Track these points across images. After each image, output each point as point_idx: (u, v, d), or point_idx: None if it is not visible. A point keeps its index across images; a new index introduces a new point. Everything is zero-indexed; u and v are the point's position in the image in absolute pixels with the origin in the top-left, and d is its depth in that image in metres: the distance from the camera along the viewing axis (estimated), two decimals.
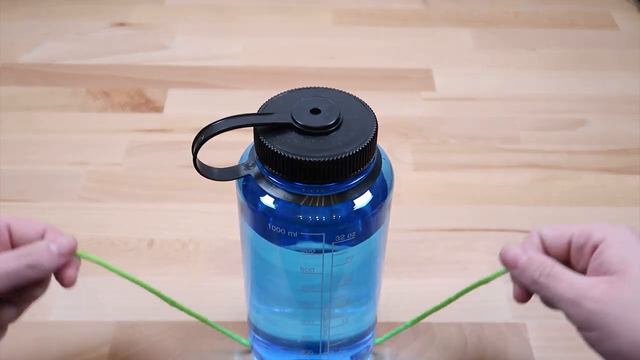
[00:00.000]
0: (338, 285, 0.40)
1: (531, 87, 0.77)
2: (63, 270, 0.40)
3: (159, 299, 0.54)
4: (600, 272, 0.35)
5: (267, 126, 0.35)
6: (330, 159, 0.34)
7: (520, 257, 0.38)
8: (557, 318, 0.54)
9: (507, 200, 0.63)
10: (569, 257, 0.38)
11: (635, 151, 0.68)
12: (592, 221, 0.57)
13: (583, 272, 0.37)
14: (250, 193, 0.38)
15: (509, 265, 0.38)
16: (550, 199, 0.63)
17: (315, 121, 0.35)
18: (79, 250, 0.40)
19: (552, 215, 0.61)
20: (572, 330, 0.54)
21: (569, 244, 0.38)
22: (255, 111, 0.36)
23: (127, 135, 0.68)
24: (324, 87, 0.38)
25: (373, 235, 0.39)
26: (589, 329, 0.34)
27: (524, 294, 0.39)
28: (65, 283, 0.40)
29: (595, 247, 0.36)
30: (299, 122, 0.35)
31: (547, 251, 0.38)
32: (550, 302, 0.37)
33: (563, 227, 0.38)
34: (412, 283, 0.55)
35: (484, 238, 0.59)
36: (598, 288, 0.34)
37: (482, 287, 0.55)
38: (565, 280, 0.35)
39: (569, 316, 0.35)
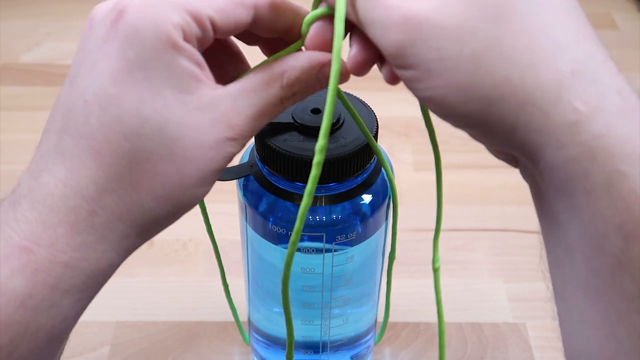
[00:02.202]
0: (338, 286, 0.40)
1: None
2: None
3: (158, 299, 0.54)
4: None
5: (267, 126, 0.35)
6: (331, 159, 0.34)
7: None
8: (557, 318, 0.54)
9: (507, 200, 0.63)
10: None
11: None
12: None
13: None
14: (250, 193, 0.38)
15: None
16: None
17: (316, 121, 0.35)
18: None
19: None
20: None
21: None
22: None
23: None
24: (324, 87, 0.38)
25: (373, 236, 0.39)
26: (401, 65, 0.25)
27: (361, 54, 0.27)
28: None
29: None
30: (300, 122, 0.35)
31: None
32: (364, 29, 0.26)
33: None
34: (412, 283, 0.55)
35: (484, 238, 0.59)
36: (416, 6, 0.24)
37: (482, 287, 0.55)
38: None
39: (380, 47, 0.25)
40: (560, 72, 0.23)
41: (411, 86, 0.25)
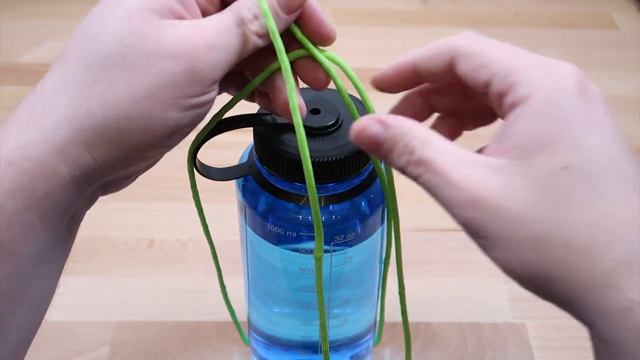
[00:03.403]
0: (337, 286, 0.40)
1: None
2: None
3: (158, 299, 0.54)
4: (505, 147, 0.25)
5: (266, 126, 0.35)
6: (330, 159, 0.34)
7: (379, 138, 0.27)
8: (557, 318, 0.54)
9: None
10: (489, 99, 0.28)
11: (635, 151, 0.67)
12: None
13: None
14: (249, 193, 0.38)
15: (369, 149, 0.28)
16: None
17: (315, 121, 0.35)
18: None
19: None
20: (572, 330, 0.54)
21: (488, 84, 0.27)
22: (255, 111, 0.36)
23: None
24: None
25: (372, 236, 0.39)
26: (470, 233, 0.26)
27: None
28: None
29: (514, 105, 0.26)
30: None
31: (450, 71, 0.28)
32: (430, 193, 0.27)
33: (487, 56, 0.27)
34: (412, 283, 0.55)
35: None
36: (482, 188, 0.25)
37: (482, 287, 0.55)
38: (440, 173, 0.26)
39: (450, 215, 0.26)
40: (616, 261, 0.24)
41: (481, 249, 0.27)
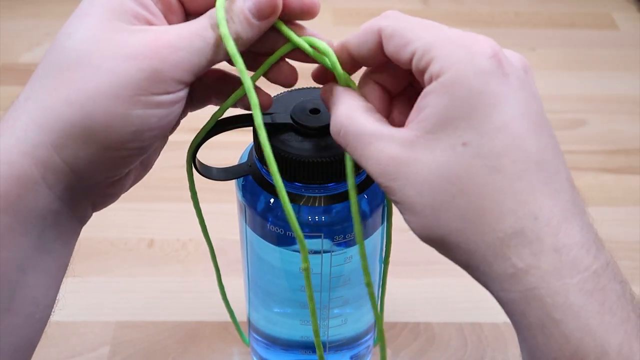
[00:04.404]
0: (337, 286, 0.40)
1: None
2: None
3: (158, 299, 0.54)
4: (417, 120, 0.27)
5: (266, 126, 0.35)
6: (330, 159, 0.34)
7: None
8: None
9: None
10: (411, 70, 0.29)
11: (635, 151, 0.68)
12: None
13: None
14: (249, 193, 0.38)
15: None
16: None
17: (315, 121, 0.35)
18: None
19: None
20: None
21: (411, 60, 0.28)
22: None
23: None
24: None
25: (372, 236, 0.39)
26: (393, 201, 0.29)
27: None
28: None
29: (430, 81, 0.27)
30: (299, 123, 0.35)
31: (379, 53, 0.30)
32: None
33: (409, 35, 0.28)
34: (412, 283, 0.55)
35: None
36: (394, 160, 0.28)
37: (482, 287, 0.55)
38: (357, 148, 0.29)
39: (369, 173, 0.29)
40: (504, 232, 0.26)
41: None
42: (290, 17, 0.31)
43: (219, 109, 0.34)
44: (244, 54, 0.31)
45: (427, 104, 0.27)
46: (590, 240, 0.27)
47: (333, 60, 0.31)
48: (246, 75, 0.30)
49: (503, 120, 0.26)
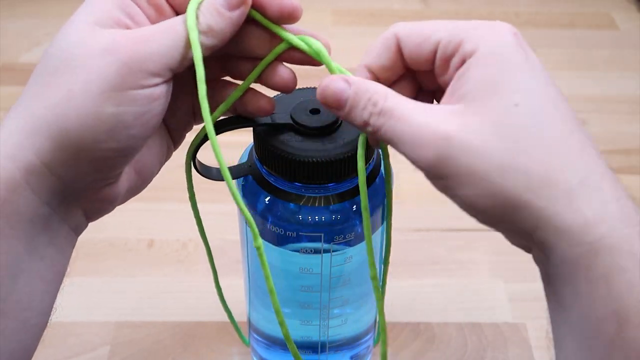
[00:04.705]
0: (337, 286, 0.40)
1: None
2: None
3: (158, 299, 0.54)
4: (457, 96, 0.28)
5: (266, 126, 0.35)
6: (330, 159, 0.34)
7: (344, 92, 0.30)
8: None
9: None
10: (432, 67, 0.30)
11: (635, 151, 0.68)
12: None
13: (444, 86, 0.30)
14: (249, 193, 0.38)
15: (331, 107, 0.30)
16: None
17: (315, 121, 0.35)
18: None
19: None
20: None
21: (435, 51, 0.30)
22: None
23: None
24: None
25: (372, 236, 0.39)
26: (434, 176, 0.28)
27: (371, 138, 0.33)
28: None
29: (463, 61, 0.29)
30: (299, 123, 0.35)
31: (398, 60, 0.31)
32: (391, 145, 0.29)
33: (428, 29, 0.30)
34: (413, 283, 0.55)
35: (484, 238, 0.59)
36: (443, 127, 0.27)
37: (482, 287, 0.55)
38: (402, 119, 0.28)
39: (412, 162, 0.29)
40: (570, 183, 0.27)
41: (445, 193, 0.29)
42: (273, 21, 0.32)
43: (216, 111, 0.34)
44: (243, 61, 0.31)
45: (469, 77, 0.28)
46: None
47: (326, 59, 0.31)
48: (200, 63, 0.29)
49: (540, 84, 0.28)
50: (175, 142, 0.36)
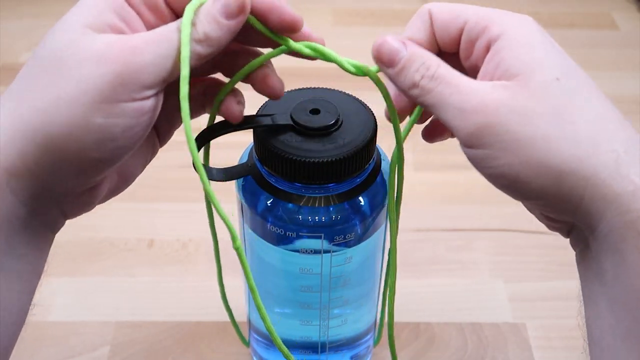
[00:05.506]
0: (337, 286, 0.40)
1: None
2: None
3: (158, 299, 0.54)
4: (496, 76, 0.29)
5: (266, 127, 0.35)
6: (330, 159, 0.34)
7: (399, 52, 0.30)
8: (557, 318, 0.54)
9: (507, 200, 0.62)
10: (458, 49, 0.31)
11: None
12: None
13: (470, 71, 0.31)
14: (249, 193, 0.38)
15: (384, 63, 0.31)
16: None
17: (315, 122, 0.35)
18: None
19: None
20: (572, 330, 0.54)
21: (460, 33, 0.31)
22: (255, 112, 0.36)
23: None
24: (324, 87, 0.38)
25: (372, 236, 0.39)
26: (476, 145, 0.29)
27: (402, 100, 0.34)
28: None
29: (490, 43, 0.30)
30: (299, 123, 0.35)
31: (433, 37, 0.32)
32: (433, 110, 0.30)
33: (458, 9, 0.31)
34: (413, 283, 0.55)
35: (484, 238, 0.59)
36: (491, 96, 0.28)
37: (482, 287, 0.55)
38: (453, 84, 0.29)
39: (454, 129, 0.29)
40: (616, 152, 0.27)
41: (483, 164, 0.29)
42: (273, 31, 0.31)
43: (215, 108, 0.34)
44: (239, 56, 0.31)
45: (504, 57, 0.29)
46: None
47: (334, 57, 0.32)
48: (186, 82, 0.29)
49: (572, 64, 0.30)
50: (162, 140, 0.35)
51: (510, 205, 0.62)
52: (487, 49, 0.30)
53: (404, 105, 0.34)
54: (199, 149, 0.35)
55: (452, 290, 0.55)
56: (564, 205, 0.28)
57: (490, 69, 0.29)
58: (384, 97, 0.33)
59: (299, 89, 0.38)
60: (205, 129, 0.35)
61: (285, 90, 0.37)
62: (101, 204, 0.33)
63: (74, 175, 0.29)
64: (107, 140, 0.28)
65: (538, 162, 0.28)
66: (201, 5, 0.29)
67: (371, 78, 0.32)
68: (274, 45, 0.32)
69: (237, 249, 0.33)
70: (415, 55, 0.30)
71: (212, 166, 0.37)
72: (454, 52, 0.31)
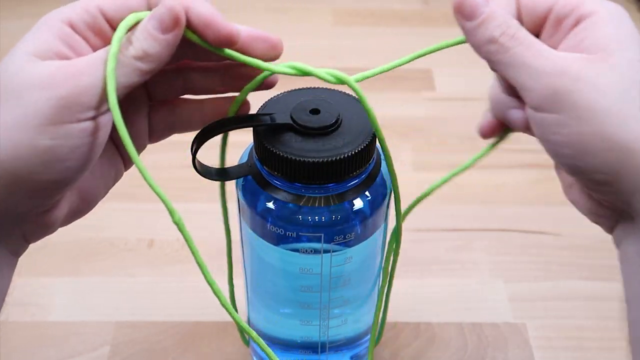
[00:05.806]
0: (337, 286, 0.40)
1: None
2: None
3: (158, 299, 0.54)
4: (578, 49, 0.30)
5: (266, 127, 0.35)
6: (330, 159, 0.34)
7: (482, 6, 0.30)
8: (557, 318, 0.54)
9: (507, 200, 0.63)
10: (541, 30, 0.32)
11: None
12: None
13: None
14: (249, 193, 0.38)
15: (464, 14, 0.31)
16: (551, 199, 0.63)
17: (315, 122, 0.35)
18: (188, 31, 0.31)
19: (552, 215, 0.61)
20: (572, 330, 0.54)
21: (548, 12, 0.31)
22: (255, 111, 0.36)
23: None
24: (324, 87, 0.38)
25: (372, 236, 0.39)
26: (548, 109, 0.29)
27: (489, 126, 0.35)
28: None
29: (579, 21, 0.30)
30: (299, 123, 0.35)
31: (519, 17, 0.32)
32: (506, 69, 0.30)
33: None
34: (413, 283, 0.55)
35: (484, 238, 0.59)
36: (572, 63, 0.29)
37: (482, 287, 0.55)
38: (533, 48, 0.29)
39: (527, 90, 0.30)
40: None
41: (551, 129, 0.29)
42: (211, 45, 0.31)
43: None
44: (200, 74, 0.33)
45: (592, 32, 0.29)
46: None
47: (316, 73, 0.32)
48: (116, 107, 0.29)
49: None
50: (127, 162, 0.35)
51: (510, 205, 0.63)
52: (573, 27, 0.30)
53: (488, 130, 0.35)
54: (199, 146, 0.35)
55: (452, 290, 0.55)
56: (622, 186, 0.29)
57: (574, 43, 0.30)
58: (362, 103, 0.33)
59: (299, 89, 0.38)
60: (205, 127, 0.35)
61: (286, 90, 0.37)
62: (62, 227, 0.33)
63: (27, 197, 0.29)
64: (55, 162, 0.28)
65: (608, 136, 0.28)
66: (137, 22, 0.30)
67: (350, 86, 0.32)
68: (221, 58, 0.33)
69: (176, 223, 0.33)
70: (497, 12, 0.30)
71: (212, 166, 0.37)
72: (535, 34, 0.31)
